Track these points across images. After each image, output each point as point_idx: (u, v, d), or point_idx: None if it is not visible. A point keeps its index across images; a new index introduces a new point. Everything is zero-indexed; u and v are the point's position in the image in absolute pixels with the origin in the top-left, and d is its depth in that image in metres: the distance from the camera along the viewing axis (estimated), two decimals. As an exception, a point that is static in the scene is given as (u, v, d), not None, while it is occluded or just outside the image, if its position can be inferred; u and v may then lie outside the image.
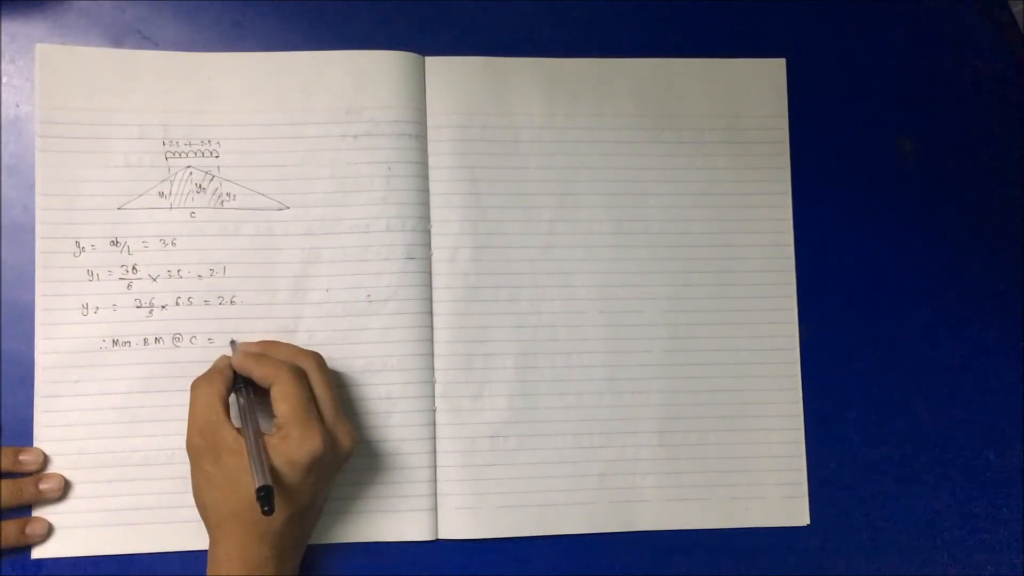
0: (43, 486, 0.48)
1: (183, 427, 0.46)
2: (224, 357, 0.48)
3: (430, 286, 0.52)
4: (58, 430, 0.49)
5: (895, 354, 0.56)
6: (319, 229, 0.52)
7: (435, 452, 0.51)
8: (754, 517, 0.53)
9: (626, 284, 0.54)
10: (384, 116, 0.53)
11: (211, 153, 0.52)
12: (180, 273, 0.51)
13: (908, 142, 0.57)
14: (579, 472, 0.52)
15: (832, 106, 0.57)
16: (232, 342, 0.50)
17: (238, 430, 0.45)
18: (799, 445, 0.54)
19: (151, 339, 0.50)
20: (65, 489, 0.49)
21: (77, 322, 0.50)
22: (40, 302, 0.50)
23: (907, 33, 0.58)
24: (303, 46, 0.53)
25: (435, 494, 0.51)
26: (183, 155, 0.51)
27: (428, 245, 0.53)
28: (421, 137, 0.53)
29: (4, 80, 0.51)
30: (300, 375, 0.46)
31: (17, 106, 0.51)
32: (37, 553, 0.48)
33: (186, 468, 0.46)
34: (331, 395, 0.46)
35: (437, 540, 0.51)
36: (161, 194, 0.51)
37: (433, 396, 0.52)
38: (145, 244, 0.51)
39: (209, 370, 0.47)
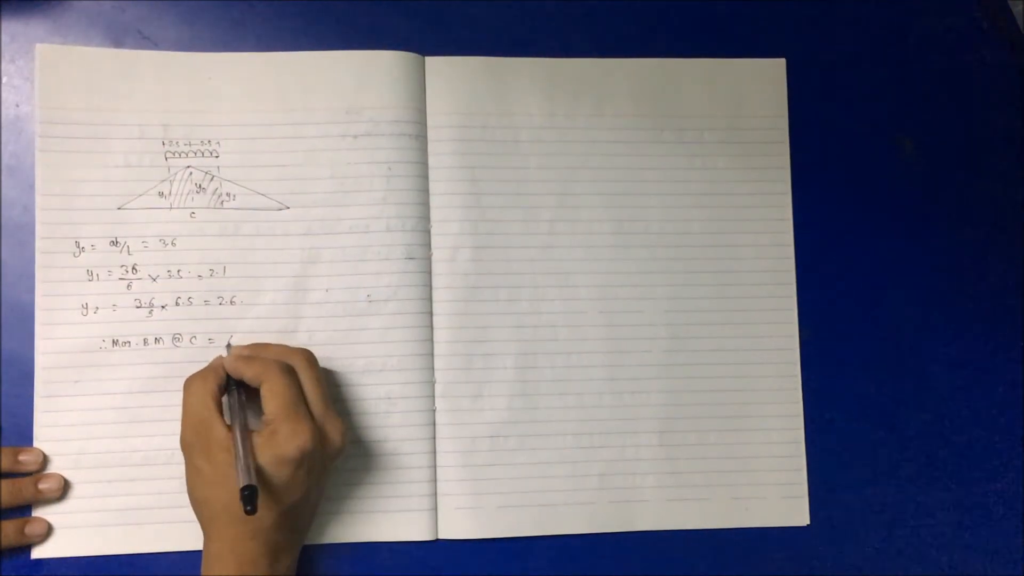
0: (43, 486, 0.48)
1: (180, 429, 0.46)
2: (219, 357, 0.48)
3: (430, 286, 0.52)
4: (58, 430, 0.49)
5: (895, 354, 0.56)
6: (319, 229, 0.52)
7: (435, 452, 0.51)
8: (754, 517, 0.53)
9: (626, 284, 0.54)
10: (384, 116, 0.53)
11: (211, 153, 0.52)
12: (180, 273, 0.51)
13: (908, 142, 0.57)
14: (579, 472, 0.52)
15: (832, 106, 0.57)
16: (228, 344, 0.50)
17: (230, 427, 0.45)
18: (799, 445, 0.54)
19: (151, 339, 0.50)
20: (65, 489, 0.49)
21: (77, 322, 0.50)
22: (40, 302, 0.50)
23: (907, 33, 0.58)
24: (303, 46, 0.53)
25: (435, 494, 0.51)
26: (183, 155, 0.51)
27: (428, 245, 0.53)
28: (421, 137, 0.53)
29: (4, 80, 0.51)
30: (289, 372, 0.46)
31: (17, 106, 0.51)
32: (37, 553, 0.48)
33: (183, 468, 0.46)
34: (320, 392, 0.46)
35: (437, 540, 0.51)
36: (161, 194, 0.51)
37: (433, 396, 0.52)
38: (145, 244, 0.51)
39: (203, 368, 0.47)
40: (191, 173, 0.51)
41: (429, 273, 0.52)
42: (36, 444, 0.49)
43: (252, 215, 0.51)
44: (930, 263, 0.56)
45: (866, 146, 0.57)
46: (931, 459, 0.55)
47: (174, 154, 0.51)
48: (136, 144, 0.51)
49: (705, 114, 0.56)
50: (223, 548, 0.44)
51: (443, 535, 0.51)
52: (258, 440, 0.44)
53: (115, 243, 0.50)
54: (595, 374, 0.53)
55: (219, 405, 0.46)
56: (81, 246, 0.50)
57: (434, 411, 0.52)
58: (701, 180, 0.55)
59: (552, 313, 0.53)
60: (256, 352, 0.48)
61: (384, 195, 0.52)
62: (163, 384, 0.50)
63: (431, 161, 0.53)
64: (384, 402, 0.51)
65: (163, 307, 0.50)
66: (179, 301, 0.51)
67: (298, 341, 0.51)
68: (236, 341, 0.50)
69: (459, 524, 0.51)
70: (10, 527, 0.48)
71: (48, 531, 0.48)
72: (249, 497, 0.40)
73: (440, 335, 0.52)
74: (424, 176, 0.53)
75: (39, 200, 0.50)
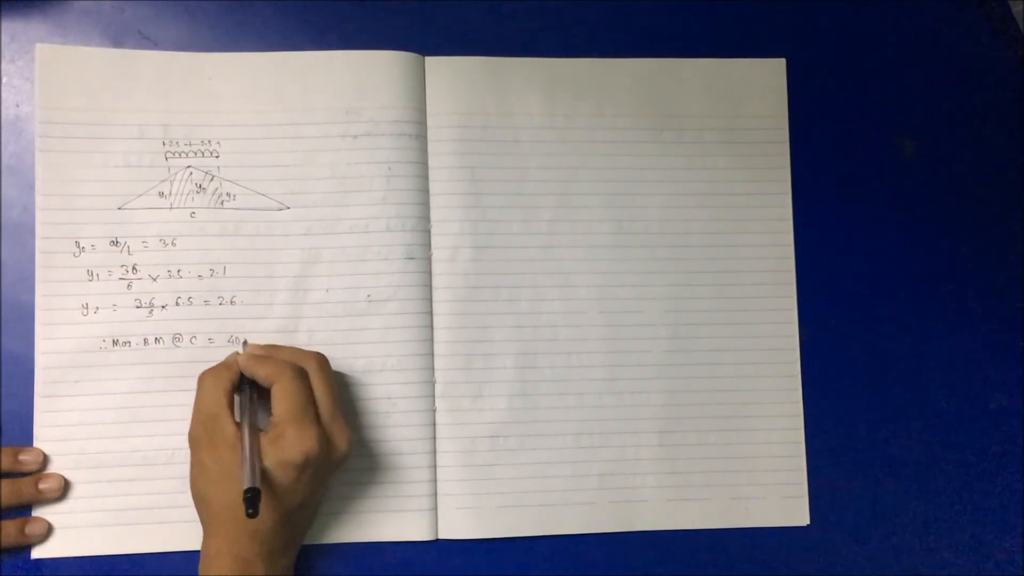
0: (43, 486, 0.48)
1: (183, 427, 0.46)
2: (235, 354, 0.48)
3: (430, 286, 0.52)
4: (58, 430, 0.49)
5: (895, 354, 0.56)
6: (319, 229, 0.52)
7: (435, 452, 0.51)
8: (754, 517, 0.53)
9: (626, 284, 0.54)
10: (384, 116, 0.53)
11: (211, 153, 0.52)
12: (180, 273, 0.51)
13: (908, 142, 0.57)
14: (579, 472, 0.52)
15: (832, 106, 0.57)
16: (244, 342, 0.50)
17: (239, 425, 0.45)
18: (799, 445, 0.54)
19: (151, 339, 0.50)
20: (65, 489, 0.49)
21: (77, 322, 0.50)
22: (40, 302, 0.50)
23: (907, 33, 0.58)
24: (303, 46, 0.53)
25: (435, 494, 0.51)
26: (183, 155, 0.51)
27: (428, 245, 0.53)
28: (421, 137, 0.53)
29: (4, 80, 0.51)
30: (301, 375, 0.46)
31: (17, 106, 0.51)
32: (37, 553, 0.48)
33: (186, 468, 0.46)
34: (331, 397, 0.46)
35: (437, 540, 0.51)
36: (161, 194, 0.51)
37: (433, 396, 0.52)
38: (145, 244, 0.51)
39: (218, 364, 0.47)
40: (191, 173, 0.51)
41: (429, 273, 0.52)
42: (36, 444, 0.49)
43: (252, 215, 0.51)
44: (930, 263, 0.56)
45: (866, 146, 0.57)
46: (931, 459, 0.55)
47: (174, 154, 0.51)
48: (136, 144, 0.51)
49: (705, 114, 0.56)
50: (221, 546, 0.44)
51: (443, 535, 0.51)
52: (264, 441, 0.44)
53: (115, 243, 0.50)
54: (595, 374, 0.53)
55: (231, 402, 0.46)
56: (81, 246, 0.50)
57: (434, 411, 0.52)
58: (701, 180, 0.55)
59: (552, 313, 0.53)
60: (270, 353, 0.48)
61: (384, 195, 0.52)
62: (163, 384, 0.50)
63: (431, 161, 0.53)
64: (384, 402, 0.51)
65: (163, 307, 0.50)
66: (179, 301, 0.51)
67: (298, 341, 0.51)
68: (238, 341, 0.50)
69: (459, 524, 0.51)
70: (10, 527, 0.48)
71: (48, 531, 0.48)
72: (251, 500, 0.40)
73: (440, 335, 0.52)
74: (424, 176, 0.53)
75: (39, 200, 0.50)
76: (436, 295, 0.52)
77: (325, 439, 0.45)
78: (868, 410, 0.55)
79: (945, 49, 0.58)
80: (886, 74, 0.58)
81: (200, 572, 0.44)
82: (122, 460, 0.49)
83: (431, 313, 0.52)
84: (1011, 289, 0.57)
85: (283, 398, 0.45)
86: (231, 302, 0.51)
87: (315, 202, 0.52)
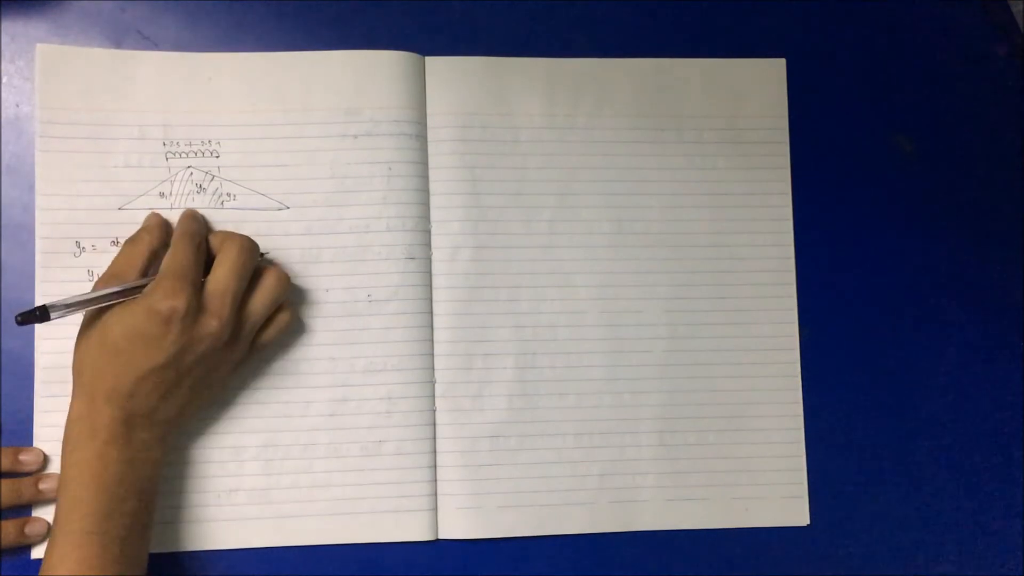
0: (43, 486, 0.48)
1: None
2: (156, 215, 0.49)
3: (430, 286, 0.52)
4: (58, 430, 0.49)
5: (895, 354, 0.56)
6: (319, 229, 0.52)
7: (435, 452, 0.51)
8: (754, 517, 0.53)
9: (626, 284, 0.54)
10: (384, 116, 0.53)
11: (211, 153, 0.52)
12: (180, 273, 0.51)
13: (908, 142, 0.57)
14: (579, 472, 0.52)
15: (832, 106, 0.57)
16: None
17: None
18: (799, 445, 0.54)
19: (151, 339, 0.50)
20: (65, 489, 0.49)
21: (77, 322, 0.50)
22: (40, 302, 0.49)
23: (907, 33, 0.58)
24: (303, 46, 0.53)
25: (435, 494, 0.51)
26: (183, 155, 0.51)
27: (428, 245, 0.53)
28: (421, 137, 0.53)
29: (4, 80, 0.51)
30: (199, 250, 0.46)
31: (17, 106, 0.51)
32: (37, 553, 0.48)
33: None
34: (228, 277, 0.45)
35: (437, 540, 0.51)
36: (162, 194, 0.51)
37: (433, 396, 0.52)
38: (145, 244, 0.51)
39: (139, 229, 0.48)
40: (192, 173, 0.51)
41: (429, 273, 0.52)
42: (36, 444, 0.49)
43: (252, 215, 0.51)
44: (930, 263, 0.56)
45: (866, 146, 0.57)
46: (931, 459, 0.55)
47: (175, 154, 0.51)
48: (136, 144, 0.51)
49: (705, 114, 0.56)
50: (81, 409, 0.44)
51: (443, 535, 0.51)
52: (137, 297, 0.44)
53: (116, 243, 0.50)
54: (595, 374, 0.53)
55: (145, 266, 0.46)
56: (81, 246, 0.50)
57: (434, 411, 0.52)
58: (701, 180, 0.55)
59: (552, 313, 0.53)
60: (210, 234, 0.48)
61: (384, 195, 0.52)
62: (163, 384, 0.50)
63: (431, 161, 0.53)
64: (384, 402, 0.51)
65: (163, 307, 0.50)
66: (179, 301, 0.50)
67: (298, 341, 0.51)
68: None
69: (459, 524, 0.51)
70: (10, 527, 0.48)
71: (48, 531, 0.48)
72: (32, 313, 0.42)
73: (440, 335, 0.52)
74: (424, 176, 0.53)
75: (39, 200, 0.50)
76: (436, 295, 0.52)
77: (199, 306, 0.44)
78: (868, 410, 0.55)
79: (945, 49, 0.58)
80: (886, 74, 0.58)
81: (64, 438, 0.44)
82: (122, 460, 0.49)
83: (431, 313, 0.52)
84: (1011, 289, 0.57)
85: (171, 255, 0.45)
86: (231, 302, 0.51)
87: (315, 202, 0.52)
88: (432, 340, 0.52)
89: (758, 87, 0.56)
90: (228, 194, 0.51)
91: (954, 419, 0.55)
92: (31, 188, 0.50)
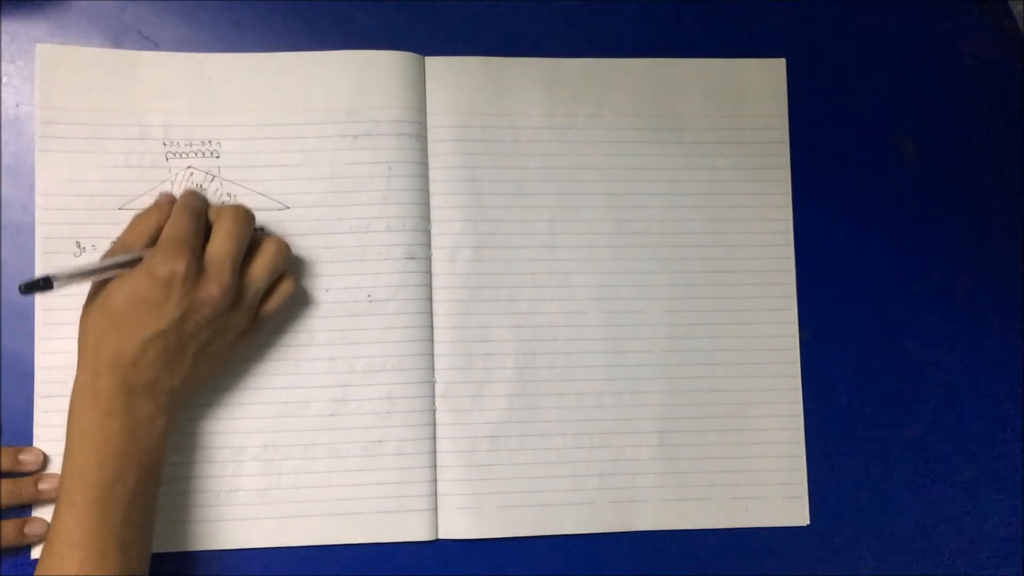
0: (43, 486, 0.48)
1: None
2: (168, 195, 0.48)
3: (430, 286, 0.52)
4: (58, 430, 0.49)
5: (895, 354, 0.56)
6: (319, 229, 0.52)
7: (435, 452, 0.51)
8: (754, 517, 0.53)
9: (626, 284, 0.54)
10: (384, 116, 0.53)
11: (212, 153, 0.52)
12: (180, 273, 0.51)
13: (908, 142, 0.57)
14: (579, 472, 0.52)
15: (832, 106, 0.57)
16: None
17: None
18: (799, 445, 0.54)
19: (151, 339, 0.50)
20: (65, 489, 0.49)
21: (77, 322, 0.50)
22: (40, 302, 0.50)
23: (907, 33, 0.58)
24: (303, 46, 0.53)
25: (435, 494, 0.51)
26: (184, 155, 0.51)
27: (428, 245, 0.53)
28: (421, 137, 0.53)
29: (4, 80, 0.51)
30: (199, 219, 0.46)
31: (17, 106, 0.51)
32: (37, 553, 0.48)
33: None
34: (227, 244, 0.45)
35: (437, 540, 0.51)
36: (161, 194, 0.51)
37: (433, 396, 0.52)
38: (145, 244, 0.51)
39: (150, 206, 0.47)
40: (192, 173, 0.51)
41: (429, 273, 0.52)
42: (36, 444, 0.49)
43: (252, 215, 0.51)
44: (930, 263, 0.56)
45: (866, 146, 0.57)
46: (931, 459, 0.55)
47: (175, 154, 0.51)
48: (136, 144, 0.51)
49: (705, 114, 0.56)
50: (85, 379, 0.44)
51: (443, 535, 0.51)
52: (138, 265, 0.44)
53: (115, 243, 0.50)
54: (595, 374, 0.53)
55: (153, 242, 0.46)
56: (82, 246, 0.50)
57: (434, 411, 0.52)
58: (701, 180, 0.55)
59: (552, 313, 0.53)
60: (208, 206, 0.48)
61: (384, 195, 0.52)
62: (163, 384, 0.50)
63: (431, 161, 0.53)
64: (384, 402, 0.51)
65: (163, 307, 0.50)
66: (179, 301, 0.50)
67: (298, 341, 0.51)
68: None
69: (459, 524, 0.51)
70: (10, 527, 0.48)
71: (47, 531, 0.48)
72: (33, 282, 0.42)
73: (440, 335, 0.52)
74: (424, 176, 0.53)
75: (39, 200, 0.50)
76: (436, 295, 0.52)
77: (196, 270, 0.44)
78: (868, 410, 0.55)
79: (945, 49, 0.58)
80: (886, 74, 0.58)
81: (68, 408, 0.44)
82: (122, 460, 0.49)
83: (431, 313, 0.52)
84: (1011, 289, 0.57)
85: (171, 224, 0.45)
86: (231, 302, 0.51)
87: (315, 202, 0.52)
88: (432, 340, 0.52)
89: (758, 87, 0.56)
90: (228, 194, 0.51)
91: (954, 419, 0.55)
92: (31, 188, 0.50)
